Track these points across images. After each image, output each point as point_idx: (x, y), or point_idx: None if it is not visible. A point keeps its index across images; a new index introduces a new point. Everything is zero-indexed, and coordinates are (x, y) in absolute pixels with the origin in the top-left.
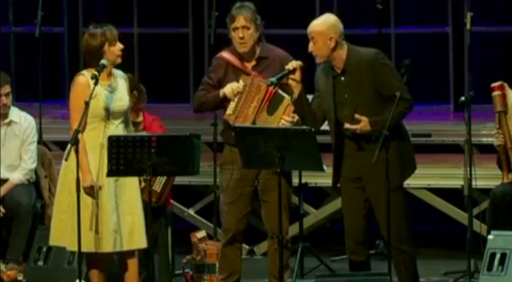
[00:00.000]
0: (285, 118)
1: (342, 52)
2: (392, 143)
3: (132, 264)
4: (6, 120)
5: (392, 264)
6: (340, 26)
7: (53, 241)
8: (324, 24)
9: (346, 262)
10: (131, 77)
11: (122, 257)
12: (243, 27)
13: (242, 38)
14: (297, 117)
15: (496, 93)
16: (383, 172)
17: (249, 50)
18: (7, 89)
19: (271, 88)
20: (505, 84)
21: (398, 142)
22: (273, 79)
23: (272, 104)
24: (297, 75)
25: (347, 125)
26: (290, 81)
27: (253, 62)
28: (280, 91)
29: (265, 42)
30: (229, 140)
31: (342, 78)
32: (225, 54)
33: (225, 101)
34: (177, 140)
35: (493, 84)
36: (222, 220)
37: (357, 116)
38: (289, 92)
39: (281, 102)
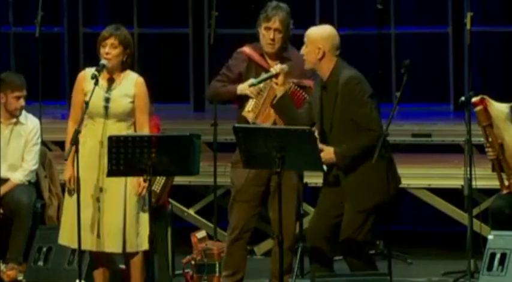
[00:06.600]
0: None
1: (328, 66)
2: (360, 168)
3: (135, 264)
4: (13, 120)
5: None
6: (334, 40)
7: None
8: (317, 33)
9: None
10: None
11: (126, 257)
12: (275, 30)
13: (273, 40)
14: None
15: (478, 108)
16: (353, 194)
17: (275, 51)
18: (24, 92)
19: (293, 89)
20: (485, 97)
21: (370, 167)
22: (254, 81)
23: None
24: (280, 79)
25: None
26: (273, 84)
27: (277, 61)
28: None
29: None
30: None
31: (325, 91)
32: (247, 50)
33: (240, 97)
34: (177, 140)
35: (474, 100)
36: (229, 218)
37: (320, 145)
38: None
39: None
